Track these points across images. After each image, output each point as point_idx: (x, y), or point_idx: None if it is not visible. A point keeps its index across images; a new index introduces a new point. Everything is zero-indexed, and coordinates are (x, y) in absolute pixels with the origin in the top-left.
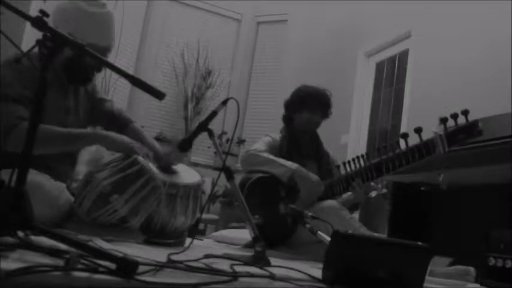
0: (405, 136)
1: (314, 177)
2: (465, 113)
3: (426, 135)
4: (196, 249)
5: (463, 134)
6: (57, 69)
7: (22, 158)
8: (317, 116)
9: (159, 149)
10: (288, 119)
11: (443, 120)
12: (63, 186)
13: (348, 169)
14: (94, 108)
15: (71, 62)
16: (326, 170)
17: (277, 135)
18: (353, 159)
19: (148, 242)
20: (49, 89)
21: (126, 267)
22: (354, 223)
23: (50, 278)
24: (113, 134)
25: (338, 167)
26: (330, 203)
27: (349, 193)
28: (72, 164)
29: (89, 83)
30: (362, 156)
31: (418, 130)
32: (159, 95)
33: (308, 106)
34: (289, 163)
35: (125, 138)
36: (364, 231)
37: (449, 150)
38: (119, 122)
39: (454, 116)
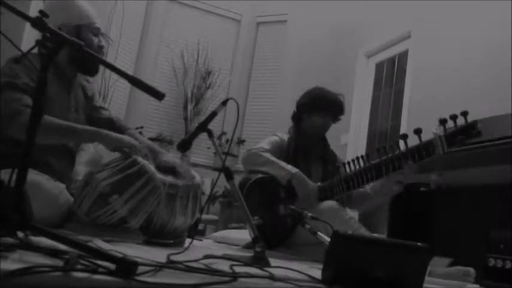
0: (405, 137)
1: (311, 184)
2: (464, 114)
3: (425, 136)
4: (196, 249)
5: (462, 135)
6: (63, 63)
7: (22, 158)
8: (329, 120)
9: (158, 150)
10: (298, 118)
11: (443, 122)
12: (63, 186)
13: (348, 170)
14: (92, 113)
15: (76, 53)
16: (331, 172)
17: (285, 136)
18: (353, 160)
19: (148, 242)
20: (54, 85)
21: (126, 267)
22: (353, 223)
23: (49, 278)
24: (112, 133)
25: (338, 168)
26: (329, 203)
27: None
28: (71, 163)
29: (97, 71)
30: (362, 157)
31: (418, 131)
32: (158, 95)
33: (322, 109)
34: (289, 167)
35: (124, 136)
36: (363, 231)
37: (448, 151)
38: (117, 129)
39: (453, 117)
